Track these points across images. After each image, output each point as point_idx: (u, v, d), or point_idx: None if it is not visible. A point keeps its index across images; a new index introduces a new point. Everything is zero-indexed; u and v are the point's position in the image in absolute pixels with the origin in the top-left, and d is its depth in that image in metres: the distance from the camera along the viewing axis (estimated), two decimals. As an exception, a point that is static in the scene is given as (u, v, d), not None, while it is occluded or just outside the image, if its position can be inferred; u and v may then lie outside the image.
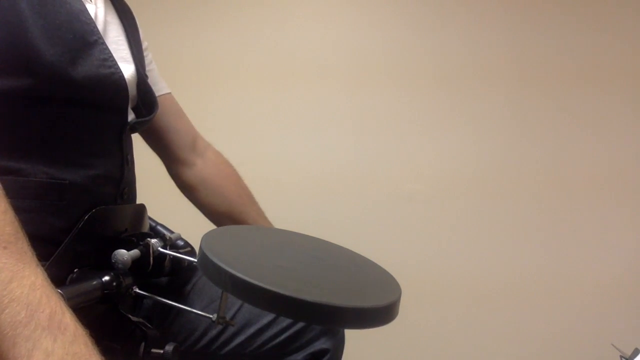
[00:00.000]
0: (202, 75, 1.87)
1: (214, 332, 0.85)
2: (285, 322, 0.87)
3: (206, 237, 0.67)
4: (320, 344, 0.87)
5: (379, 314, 0.58)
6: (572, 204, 1.74)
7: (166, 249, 0.76)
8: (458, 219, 1.78)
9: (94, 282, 0.64)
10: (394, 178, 1.79)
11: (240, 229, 0.75)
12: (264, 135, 1.85)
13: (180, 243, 0.87)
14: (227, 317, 0.84)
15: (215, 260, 0.60)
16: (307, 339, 0.87)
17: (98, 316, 0.69)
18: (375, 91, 1.81)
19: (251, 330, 0.85)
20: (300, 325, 0.87)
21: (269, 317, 0.86)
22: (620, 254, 1.71)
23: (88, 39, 0.68)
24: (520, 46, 1.76)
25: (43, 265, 0.63)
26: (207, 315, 0.73)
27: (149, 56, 0.93)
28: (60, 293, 0.53)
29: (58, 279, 0.63)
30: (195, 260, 0.73)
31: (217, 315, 0.71)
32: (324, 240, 0.77)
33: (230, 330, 0.85)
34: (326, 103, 1.83)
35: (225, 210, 0.97)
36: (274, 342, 0.85)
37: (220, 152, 1.04)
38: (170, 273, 0.81)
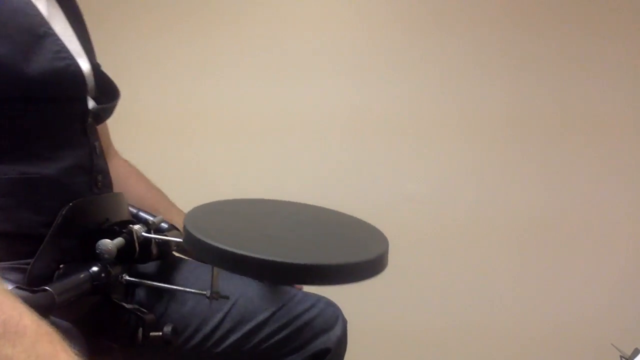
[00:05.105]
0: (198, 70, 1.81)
1: (207, 328, 0.83)
2: (282, 320, 0.85)
3: (189, 215, 0.67)
4: (321, 345, 0.86)
5: (367, 267, 0.59)
6: (570, 207, 1.71)
7: (150, 233, 0.75)
8: (459, 219, 1.74)
9: (82, 275, 0.64)
10: (394, 178, 1.76)
11: (224, 204, 0.75)
12: (263, 136, 1.80)
13: (165, 226, 0.87)
14: (221, 314, 0.84)
15: (199, 236, 0.60)
16: (307, 338, 0.86)
17: (92, 308, 0.69)
18: (374, 90, 1.75)
19: (247, 328, 0.84)
20: (298, 324, 0.86)
21: (265, 314, 0.85)
22: (620, 254, 1.70)
23: (37, 31, 0.65)
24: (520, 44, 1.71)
25: (27, 264, 0.63)
26: (201, 292, 0.73)
27: None
28: (15, 294, 0.51)
29: (45, 276, 0.63)
30: (181, 240, 0.73)
31: (210, 291, 0.72)
32: (306, 204, 0.78)
33: (225, 327, 0.84)
34: (324, 103, 1.76)
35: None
36: (271, 341, 0.84)
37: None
38: (159, 257, 0.81)
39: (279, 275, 0.57)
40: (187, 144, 1.79)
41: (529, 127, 1.72)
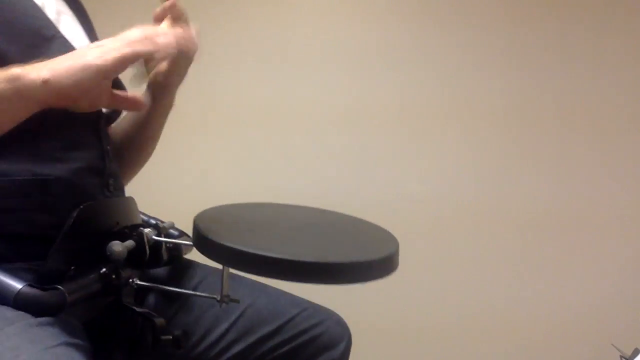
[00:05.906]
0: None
1: (213, 336, 0.83)
2: (287, 334, 0.84)
3: (199, 217, 0.67)
4: (326, 357, 0.85)
5: (378, 266, 0.59)
6: (572, 205, 1.69)
7: (161, 237, 0.75)
8: (460, 217, 1.73)
9: (92, 276, 0.64)
10: (395, 176, 1.75)
11: (232, 207, 0.75)
12: (263, 135, 1.79)
13: (175, 233, 0.87)
14: (227, 324, 0.83)
15: (210, 236, 0.60)
16: (310, 354, 0.85)
17: (103, 311, 0.69)
18: (375, 88, 1.75)
19: (251, 339, 0.83)
20: (303, 339, 0.85)
21: (271, 326, 0.84)
22: (620, 254, 1.68)
23: (45, 34, 0.66)
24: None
25: (39, 265, 0.63)
26: (211, 295, 0.73)
27: None
28: None
29: (56, 277, 0.63)
30: (191, 243, 0.73)
31: (221, 295, 0.72)
32: (314, 208, 0.78)
33: (230, 336, 0.83)
34: (324, 101, 1.76)
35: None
36: (275, 354, 0.83)
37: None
38: (169, 262, 0.81)
39: (291, 273, 0.57)
40: (185, 140, 1.77)
41: (531, 124, 1.71)
